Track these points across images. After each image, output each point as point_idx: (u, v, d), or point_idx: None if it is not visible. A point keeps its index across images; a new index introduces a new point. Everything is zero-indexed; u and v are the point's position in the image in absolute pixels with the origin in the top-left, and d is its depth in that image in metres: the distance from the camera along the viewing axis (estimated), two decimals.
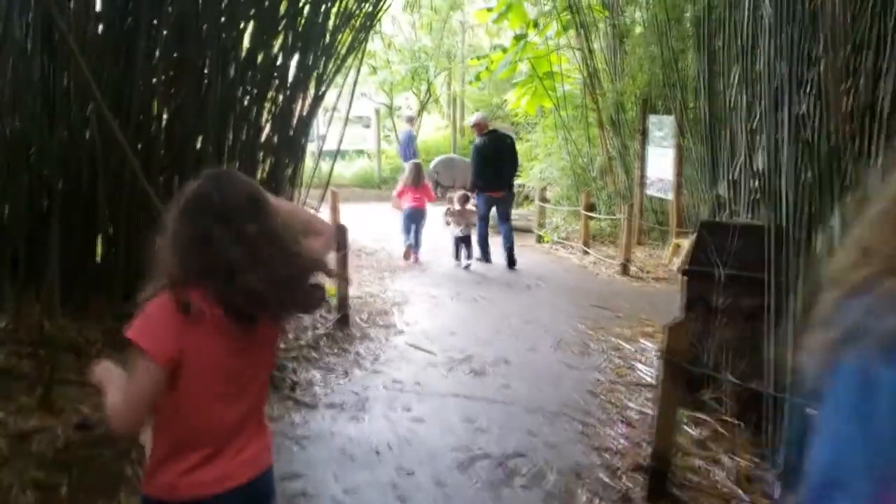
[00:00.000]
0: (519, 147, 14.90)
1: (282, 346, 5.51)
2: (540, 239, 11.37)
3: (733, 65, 6.65)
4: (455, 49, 20.76)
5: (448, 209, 9.62)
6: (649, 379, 5.24)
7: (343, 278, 6.27)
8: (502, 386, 5.05)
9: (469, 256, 9.31)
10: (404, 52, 20.01)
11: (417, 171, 10.12)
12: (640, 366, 5.56)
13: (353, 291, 7.66)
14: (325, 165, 19.49)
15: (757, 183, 4.69)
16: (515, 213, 13.15)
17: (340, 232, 6.28)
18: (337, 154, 9.59)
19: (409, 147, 16.99)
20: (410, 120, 18.82)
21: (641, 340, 6.15)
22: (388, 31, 20.18)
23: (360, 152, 20.72)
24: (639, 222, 10.30)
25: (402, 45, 20.08)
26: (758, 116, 5.53)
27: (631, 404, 4.80)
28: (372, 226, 13.42)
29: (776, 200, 3.88)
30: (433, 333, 6.33)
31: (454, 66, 20.85)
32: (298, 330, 5.91)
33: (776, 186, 4.01)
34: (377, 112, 19.87)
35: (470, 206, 9.45)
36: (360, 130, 25.38)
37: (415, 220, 9.78)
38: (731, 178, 7.25)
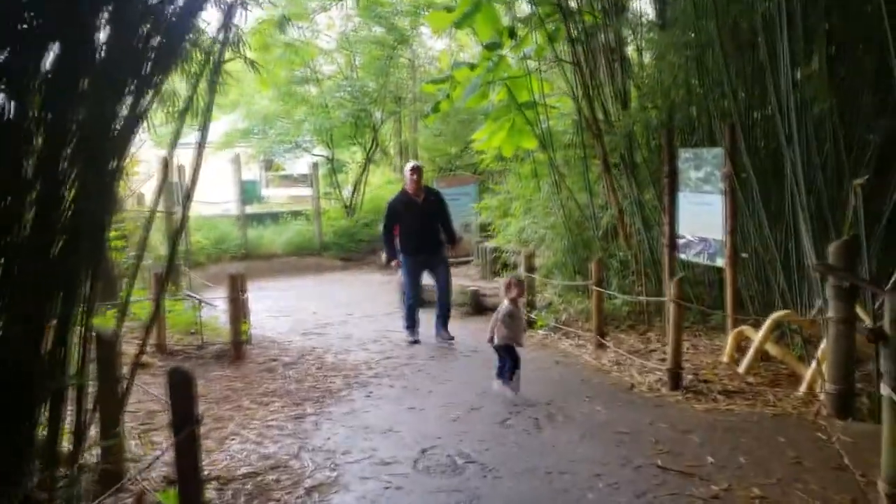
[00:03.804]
0: (490, 201, 11.97)
1: None
2: (532, 324, 8.28)
3: None
4: (405, 91, 17.89)
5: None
6: None
7: (190, 478, 3.05)
8: None
9: (510, 378, 5.78)
10: (345, 98, 17.07)
11: None
12: None
13: (242, 454, 4.48)
14: (253, 233, 16.41)
15: None
16: (491, 287, 10.16)
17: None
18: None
19: None
20: None
21: None
22: (325, 71, 17.37)
23: (297, 214, 17.56)
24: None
25: (342, 85, 17.12)
26: None
27: None
28: (304, 312, 10.23)
29: None
30: None
31: (404, 110, 17.96)
32: None
33: None
34: (314, 166, 16.76)
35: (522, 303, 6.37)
36: (302, 191, 22.38)
37: None
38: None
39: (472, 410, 5.44)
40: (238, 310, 6.90)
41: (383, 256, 8.71)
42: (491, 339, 5.87)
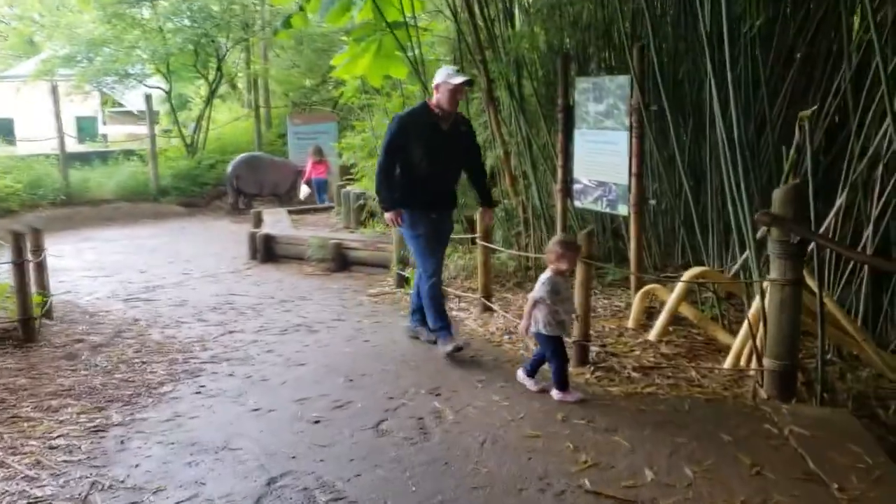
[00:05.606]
0: (353, 140, 10.52)
1: None
2: (405, 282, 7.11)
3: None
4: (253, 16, 15.95)
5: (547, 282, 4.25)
6: None
7: None
8: None
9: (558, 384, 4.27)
10: (184, 23, 14.96)
11: (318, 151, 13.15)
12: None
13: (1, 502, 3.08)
14: (78, 175, 14.24)
15: None
16: (357, 238, 8.85)
17: None
18: None
19: None
20: None
21: None
22: None
23: (130, 154, 15.44)
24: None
25: (179, 8, 14.99)
26: None
27: None
28: (131, 269, 8.60)
29: None
30: None
31: (253, 38, 16.05)
32: None
33: None
34: (148, 99, 14.62)
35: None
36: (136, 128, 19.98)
37: (319, 186, 13.10)
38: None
39: (337, 408, 4.20)
40: (25, 278, 5.27)
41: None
42: (527, 329, 4.29)
